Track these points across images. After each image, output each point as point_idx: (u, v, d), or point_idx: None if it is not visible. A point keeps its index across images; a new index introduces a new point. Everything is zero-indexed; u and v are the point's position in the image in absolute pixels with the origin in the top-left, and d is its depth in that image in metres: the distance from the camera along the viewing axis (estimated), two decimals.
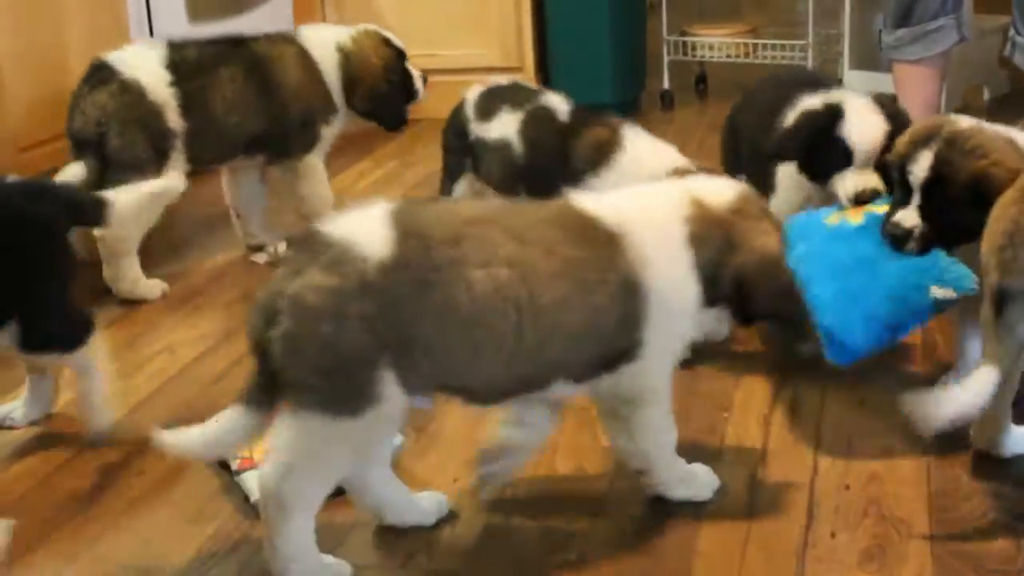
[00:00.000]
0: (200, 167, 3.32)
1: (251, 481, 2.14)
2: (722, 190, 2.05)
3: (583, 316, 1.88)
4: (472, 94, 3.05)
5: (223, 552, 2.04)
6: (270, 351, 1.77)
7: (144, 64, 3.20)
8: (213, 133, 3.24)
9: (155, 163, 3.15)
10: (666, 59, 5.08)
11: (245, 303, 3.14)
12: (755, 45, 5.08)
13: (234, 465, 2.21)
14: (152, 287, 3.23)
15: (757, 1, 6.32)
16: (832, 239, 2.42)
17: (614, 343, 1.93)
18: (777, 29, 5.23)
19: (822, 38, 4.99)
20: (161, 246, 3.57)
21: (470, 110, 3.02)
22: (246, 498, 2.16)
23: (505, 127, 2.91)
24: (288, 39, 3.43)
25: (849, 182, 2.61)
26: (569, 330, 1.87)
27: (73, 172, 3.12)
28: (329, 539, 2.01)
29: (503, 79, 3.16)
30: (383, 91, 3.47)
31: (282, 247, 3.41)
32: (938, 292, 2.25)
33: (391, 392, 1.79)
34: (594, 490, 2.17)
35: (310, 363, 1.76)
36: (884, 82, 4.42)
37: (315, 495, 1.86)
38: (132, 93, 3.15)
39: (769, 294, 2.01)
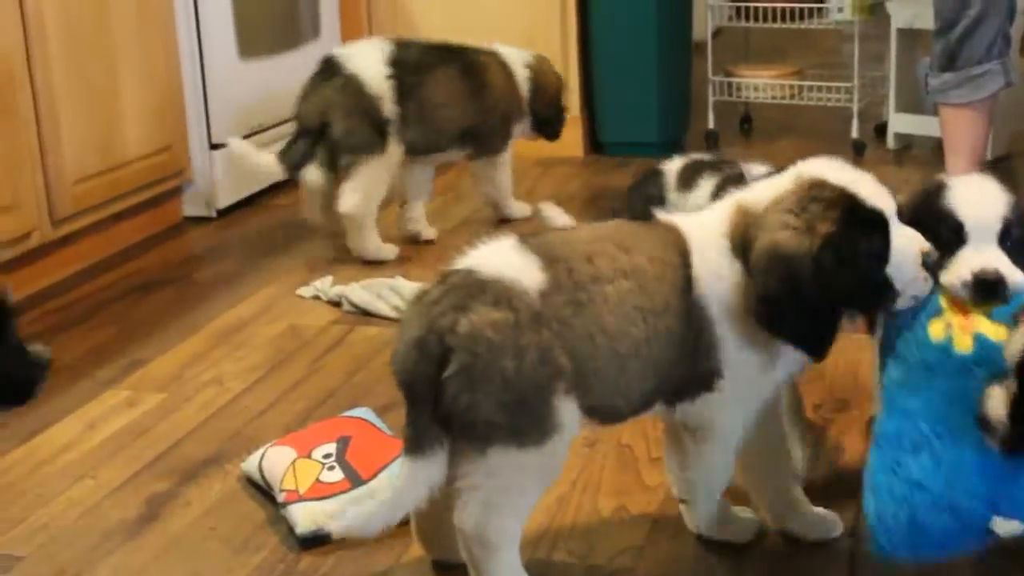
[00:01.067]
0: (415, 155, 3.73)
1: (297, 513, 2.16)
2: (783, 184, 1.89)
3: (676, 321, 1.88)
4: (672, 166, 2.82)
5: None
6: (443, 391, 1.76)
7: (367, 60, 3.62)
8: (427, 123, 3.68)
9: (377, 145, 3.60)
10: (711, 99, 5.10)
11: (292, 336, 3.17)
12: (800, 87, 5.09)
13: (280, 498, 2.23)
14: (389, 250, 3.71)
15: (803, 43, 6.32)
16: (923, 368, 1.84)
17: (695, 364, 1.91)
18: (822, 71, 5.24)
19: (868, 80, 4.99)
20: (210, 278, 3.61)
21: (671, 180, 2.80)
22: (291, 530, 2.18)
23: (702, 192, 2.71)
24: (491, 52, 3.90)
25: (963, 264, 1.89)
26: (671, 335, 1.88)
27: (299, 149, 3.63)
28: None
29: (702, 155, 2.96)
30: (558, 103, 4.02)
31: (327, 281, 3.44)
32: (1001, 526, 1.70)
33: (570, 418, 1.81)
34: (637, 530, 2.18)
35: (493, 399, 1.75)
36: (930, 125, 4.42)
37: (516, 527, 1.86)
38: (353, 86, 3.57)
39: (762, 300, 1.84)
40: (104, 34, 3.70)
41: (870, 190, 1.86)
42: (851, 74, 4.91)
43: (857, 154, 4.77)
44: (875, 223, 1.84)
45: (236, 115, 4.26)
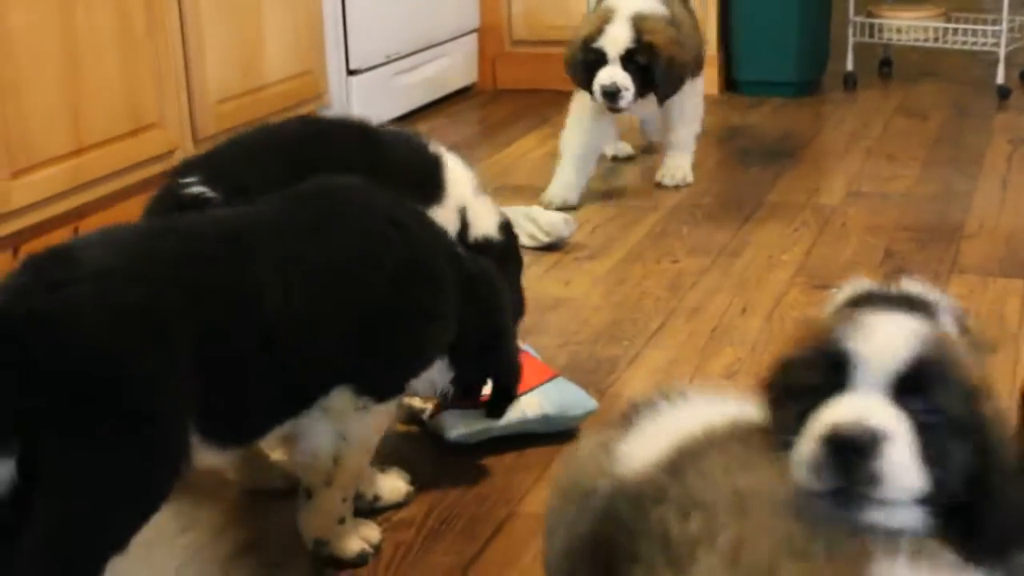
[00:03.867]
0: None
1: (446, 419, 2.21)
2: None
3: None
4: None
5: None
6: None
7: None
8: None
9: None
10: (851, 40, 4.97)
11: None
12: (945, 29, 4.95)
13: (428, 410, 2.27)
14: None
15: None
16: None
17: None
18: (968, 14, 5.08)
19: (1016, 24, 4.83)
20: None
21: None
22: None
23: None
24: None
25: None
26: None
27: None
28: None
29: None
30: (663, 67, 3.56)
31: None
32: None
33: None
34: None
35: None
36: None
37: None
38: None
39: None
40: None
41: None
42: (999, 18, 4.76)
43: (1002, 99, 4.64)
44: None
45: (374, 42, 4.26)
